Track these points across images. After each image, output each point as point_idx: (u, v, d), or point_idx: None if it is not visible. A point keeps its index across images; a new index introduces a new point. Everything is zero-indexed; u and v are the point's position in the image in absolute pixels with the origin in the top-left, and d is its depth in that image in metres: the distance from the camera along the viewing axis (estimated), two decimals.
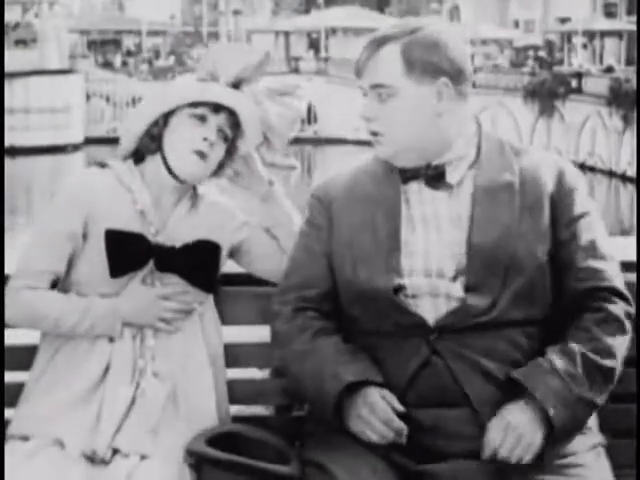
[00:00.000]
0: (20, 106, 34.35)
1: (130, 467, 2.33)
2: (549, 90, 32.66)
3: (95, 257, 2.45)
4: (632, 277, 2.56)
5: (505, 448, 2.24)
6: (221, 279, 2.59)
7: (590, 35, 45.89)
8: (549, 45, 46.82)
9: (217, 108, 2.47)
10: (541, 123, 33.29)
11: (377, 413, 2.28)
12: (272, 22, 55.48)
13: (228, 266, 2.62)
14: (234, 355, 2.66)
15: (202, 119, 2.47)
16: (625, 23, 46.48)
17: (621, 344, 2.35)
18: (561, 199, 2.40)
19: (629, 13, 47.16)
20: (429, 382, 2.31)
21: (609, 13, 49.75)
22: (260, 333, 2.63)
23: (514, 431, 2.24)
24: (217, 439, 2.35)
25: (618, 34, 46.19)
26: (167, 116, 2.49)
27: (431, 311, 2.33)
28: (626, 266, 2.54)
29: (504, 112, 34.28)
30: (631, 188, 27.31)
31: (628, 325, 2.37)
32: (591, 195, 2.50)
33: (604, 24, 46.46)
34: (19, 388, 2.52)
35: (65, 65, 37.30)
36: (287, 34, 50.50)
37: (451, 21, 51.15)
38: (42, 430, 2.39)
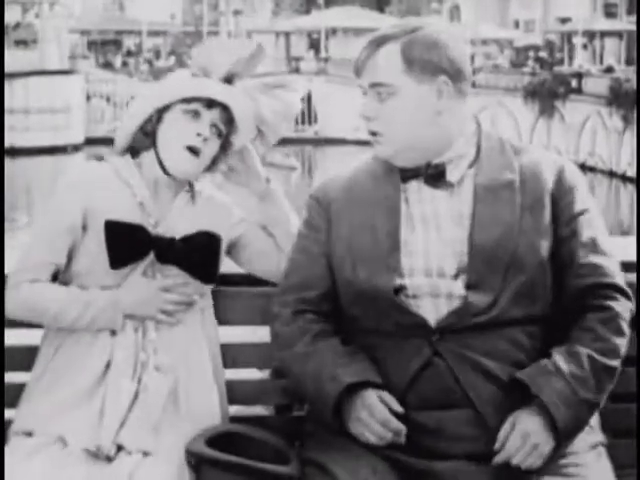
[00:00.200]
0: (20, 106, 34.33)
1: (132, 465, 2.33)
2: (549, 90, 32.65)
3: (95, 249, 2.45)
4: (632, 277, 2.56)
5: (520, 455, 2.24)
6: (220, 279, 2.59)
7: (590, 35, 45.89)
8: (549, 45, 46.80)
9: (210, 103, 2.47)
10: (541, 123, 33.28)
11: (375, 415, 2.28)
12: (272, 22, 55.47)
13: (227, 266, 2.62)
14: (234, 355, 2.66)
15: (195, 115, 2.47)
16: (625, 23, 46.46)
17: (625, 343, 2.36)
18: (561, 197, 2.40)
19: (629, 13, 47.15)
20: (431, 383, 2.31)
21: (609, 13, 49.74)
22: (260, 333, 2.63)
23: (531, 440, 2.24)
24: (216, 439, 2.35)
25: (618, 34, 46.19)
26: (161, 112, 2.49)
27: (432, 311, 2.33)
28: (626, 266, 2.54)
29: (504, 112, 34.27)
30: (631, 188, 27.30)
31: (629, 323, 2.38)
32: (591, 195, 2.51)
33: (604, 24, 46.45)
34: (19, 389, 2.52)
35: (65, 65, 37.26)
36: (287, 34, 50.50)
37: (451, 21, 51.15)
38: (44, 428, 2.40)
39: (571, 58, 44.10)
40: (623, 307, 2.38)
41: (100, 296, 2.46)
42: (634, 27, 38.56)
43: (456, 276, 2.34)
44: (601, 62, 42.40)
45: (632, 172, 27.26)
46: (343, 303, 2.44)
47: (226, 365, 2.64)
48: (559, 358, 2.30)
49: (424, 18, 2.52)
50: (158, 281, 2.49)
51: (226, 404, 2.59)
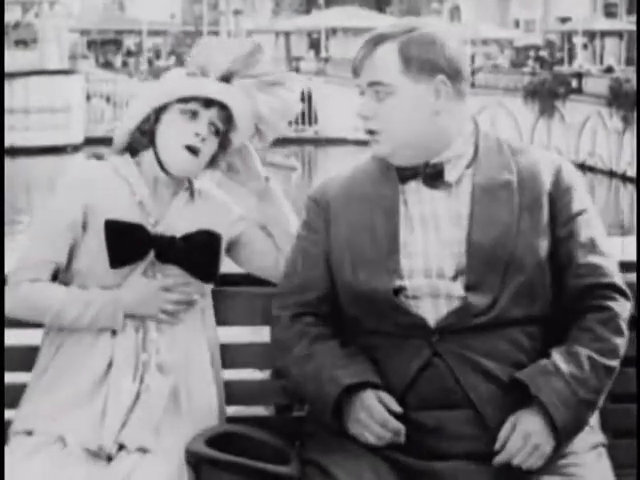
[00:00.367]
0: (20, 106, 34.32)
1: (132, 464, 2.34)
2: (549, 90, 32.64)
3: (95, 248, 2.45)
4: (632, 277, 2.56)
5: (521, 456, 2.24)
6: (220, 279, 2.59)
7: (590, 35, 45.88)
8: (549, 45, 46.80)
9: (208, 103, 2.47)
10: (541, 123, 33.27)
11: (374, 416, 2.28)
12: (272, 22, 55.45)
13: (227, 266, 2.62)
14: (234, 355, 2.66)
15: (193, 114, 2.47)
16: (625, 23, 46.45)
17: (624, 343, 2.36)
18: (559, 197, 2.40)
19: (629, 13, 47.14)
20: (431, 383, 2.31)
21: (609, 13, 49.73)
22: (260, 333, 2.62)
23: (531, 440, 2.24)
24: (216, 439, 2.35)
25: (618, 34, 46.18)
26: (158, 112, 2.49)
27: (432, 312, 2.33)
28: (626, 266, 2.54)
29: (504, 112, 34.26)
30: (631, 188, 27.29)
31: (627, 323, 2.38)
32: (591, 195, 2.51)
33: (604, 24, 46.44)
34: (19, 389, 2.52)
35: (65, 65, 37.25)
36: (287, 34, 50.48)
37: (452, 21, 51.14)
38: (44, 427, 2.40)
39: (571, 58, 44.10)
40: (622, 307, 2.38)
41: (101, 295, 2.46)
42: (634, 27, 38.54)
43: (455, 277, 2.34)
44: (601, 62, 42.40)
45: (632, 172, 27.25)
46: (342, 304, 2.44)
47: (226, 365, 2.64)
48: (558, 358, 2.30)
49: (424, 18, 2.52)
50: (158, 281, 2.49)
51: (223, 404, 2.60)
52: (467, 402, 2.30)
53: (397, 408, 2.29)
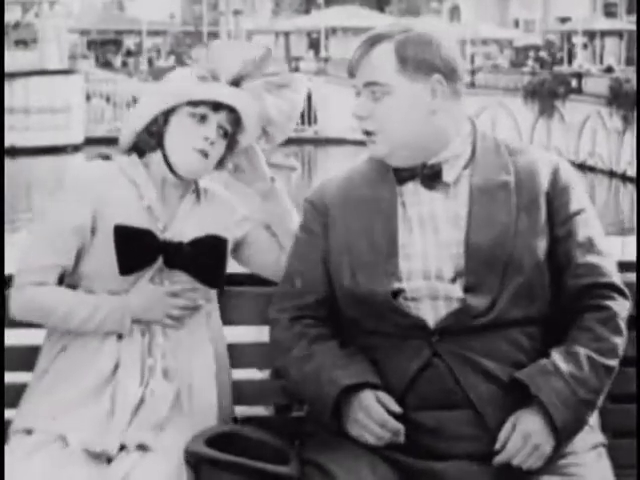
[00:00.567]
0: (20, 106, 34.30)
1: (131, 463, 2.34)
2: (549, 90, 32.62)
3: (104, 252, 2.45)
4: (632, 277, 2.56)
5: (521, 456, 2.25)
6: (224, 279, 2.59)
7: (590, 35, 45.88)
8: (549, 45, 46.78)
9: (217, 106, 2.47)
10: (541, 123, 33.26)
11: (372, 416, 2.28)
12: (272, 22, 55.44)
13: (230, 266, 2.62)
14: (234, 355, 2.66)
15: (202, 118, 2.47)
16: (625, 23, 46.44)
17: (623, 342, 2.36)
18: (557, 196, 2.40)
19: (629, 13, 47.13)
20: (430, 384, 2.31)
21: (609, 13, 49.71)
22: (260, 333, 2.62)
23: (532, 440, 2.24)
24: (216, 439, 2.35)
25: (618, 34, 46.17)
26: (167, 113, 2.49)
27: (431, 313, 2.33)
28: (626, 266, 2.54)
29: (504, 112, 34.25)
30: (631, 188, 27.28)
31: (626, 322, 2.38)
32: (591, 195, 2.51)
33: (604, 24, 46.42)
34: (19, 389, 2.52)
35: (65, 65, 37.22)
36: (287, 34, 50.47)
37: (451, 21, 51.13)
38: (45, 426, 2.40)
39: (571, 58, 44.09)
40: (621, 306, 2.38)
41: (109, 300, 2.46)
42: (634, 27, 38.54)
43: (454, 279, 2.34)
44: (601, 62, 42.39)
45: (632, 172, 27.24)
46: (341, 306, 2.44)
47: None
48: (558, 358, 2.30)
49: (422, 18, 2.52)
50: (165, 287, 2.49)
51: (231, 404, 2.60)
52: (467, 402, 2.30)
53: (396, 408, 2.29)
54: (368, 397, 2.31)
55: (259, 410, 2.78)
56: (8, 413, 2.53)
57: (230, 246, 2.58)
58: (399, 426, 2.28)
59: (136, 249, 2.44)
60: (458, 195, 2.40)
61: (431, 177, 2.41)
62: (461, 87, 2.42)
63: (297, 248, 2.52)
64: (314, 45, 48.38)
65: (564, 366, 2.28)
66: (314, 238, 2.48)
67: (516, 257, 2.34)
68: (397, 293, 2.35)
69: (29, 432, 2.41)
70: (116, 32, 53.53)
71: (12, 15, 40.61)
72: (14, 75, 33.62)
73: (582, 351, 2.31)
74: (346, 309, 2.43)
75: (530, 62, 40.16)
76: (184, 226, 2.51)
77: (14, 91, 33.74)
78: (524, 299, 2.34)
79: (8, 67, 32.03)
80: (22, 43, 39.22)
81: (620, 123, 29.09)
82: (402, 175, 2.43)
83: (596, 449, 2.38)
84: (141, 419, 2.42)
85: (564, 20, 49.80)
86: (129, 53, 50.53)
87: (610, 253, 2.43)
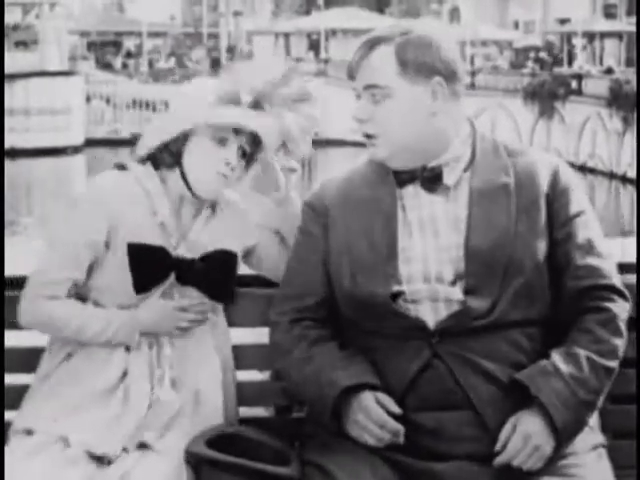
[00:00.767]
0: (20, 108, 34.27)
1: (132, 463, 2.35)
2: (549, 91, 32.62)
3: (116, 267, 2.44)
4: (632, 279, 2.56)
5: (522, 457, 2.25)
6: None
7: (590, 36, 45.88)
8: (549, 46, 46.78)
9: (238, 130, 2.45)
10: (541, 124, 33.26)
11: (371, 417, 2.28)
12: (272, 23, 55.45)
13: None
14: (234, 357, 2.66)
15: (222, 141, 2.44)
16: (625, 24, 46.43)
17: (623, 343, 2.36)
18: (556, 198, 2.40)
19: (629, 14, 47.12)
20: (430, 385, 2.31)
21: (609, 14, 49.70)
22: (260, 334, 2.62)
23: (532, 441, 2.25)
24: (216, 440, 2.35)
25: (618, 35, 46.18)
26: (186, 133, 2.46)
27: (431, 315, 2.33)
28: (626, 267, 2.54)
29: (504, 113, 34.24)
30: (631, 189, 27.28)
31: (626, 324, 2.38)
32: (591, 196, 2.52)
33: (604, 25, 46.43)
34: (19, 390, 2.53)
35: (65, 67, 37.17)
36: (287, 35, 50.50)
37: (451, 22, 51.13)
38: (46, 427, 2.40)
39: (571, 59, 44.09)
40: (620, 308, 2.38)
41: (119, 314, 2.46)
42: (634, 28, 38.53)
43: (454, 282, 2.34)
44: (601, 63, 42.39)
45: (632, 173, 27.23)
46: (341, 307, 2.45)
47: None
48: (558, 359, 2.30)
49: (422, 19, 2.52)
50: (175, 301, 2.49)
51: (236, 407, 2.60)
52: (467, 403, 2.30)
53: (396, 409, 2.29)
54: (368, 398, 2.31)
55: (260, 411, 2.78)
56: (8, 415, 2.53)
57: (241, 254, 2.58)
58: (399, 427, 2.28)
59: (149, 266, 2.44)
60: (458, 198, 2.40)
61: (431, 180, 2.41)
62: (461, 88, 2.42)
63: (297, 250, 2.52)
64: (314, 46, 48.39)
65: (564, 367, 2.29)
66: (314, 240, 2.48)
67: (516, 259, 2.34)
68: (397, 295, 2.35)
69: (29, 433, 2.41)
70: (116, 34, 53.53)
71: (12, 16, 40.64)
72: (14, 76, 33.61)
73: (582, 352, 2.31)
74: (346, 310, 2.44)
75: (530, 63, 40.17)
76: (197, 240, 2.50)
77: (14, 92, 33.73)
78: (524, 300, 2.34)
79: (8, 68, 32.01)
80: (22, 44, 39.23)
81: (620, 124, 29.09)
82: (402, 178, 2.43)
83: (596, 450, 2.38)
84: (146, 422, 2.43)
85: (564, 21, 49.81)
86: (129, 55, 50.53)
87: (610, 255, 2.43)
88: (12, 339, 2.58)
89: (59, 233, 2.50)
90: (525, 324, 2.35)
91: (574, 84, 32.36)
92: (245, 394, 2.67)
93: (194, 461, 2.33)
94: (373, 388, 2.32)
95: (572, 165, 2.53)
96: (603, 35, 46.17)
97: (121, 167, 2.51)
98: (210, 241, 2.51)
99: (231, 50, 52.00)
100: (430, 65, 2.36)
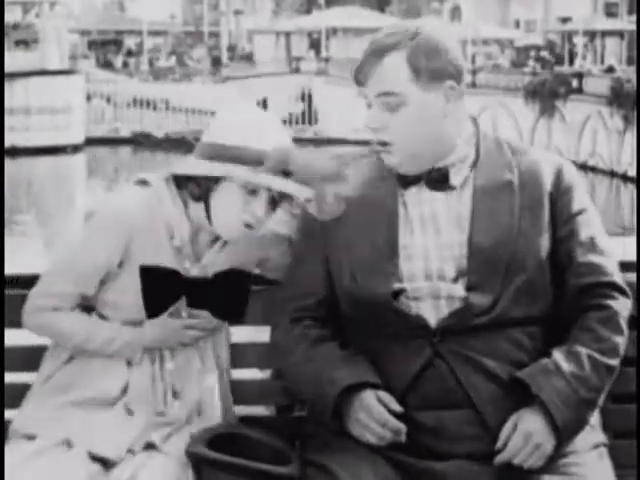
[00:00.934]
0: (20, 106, 34.31)
1: (137, 463, 2.35)
2: (550, 90, 32.63)
3: (127, 286, 2.43)
4: (632, 277, 2.56)
5: (523, 455, 2.25)
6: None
7: (591, 35, 45.88)
8: (550, 45, 46.78)
9: None
10: (542, 123, 33.27)
11: (373, 415, 2.28)
12: (273, 22, 55.44)
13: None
14: (235, 356, 2.66)
15: (253, 192, 2.38)
16: (626, 23, 46.42)
17: (624, 341, 2.36)
18: (559, 196, 2.40)
19: (630, 13, 47.10)
20: (432, 384, 2.31)
21: (610, 13, 49.71)
22: (260, 333, 2.62)
23: (533, 440, 2.25)
24: (217, 440, 2.35)
25: (619, 34, 46.17)
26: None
27: (433, 313, 2.33)
28: (626, 266, 2.54)
29: (505, 112, 34.25)
30: (632, 188, 27.29)
31: (627, 322, 2.38)
32: (592, 195, 2.51)
33: (605, 24, 46.44)
34: (19, 389, 2.52)
35: (66, 65, 37.20)
36: (288, 34, 50.46)
37: (452, 21, 51.12)
38: (48, 430, 2.39)
39: (572, 58, 44.08)
40: (622, 305, 2.38)
41: (124, 331, 2.45)
42: (635, 27, 38.53)
43: (456, 279, 2.34)
44: (602, 62, 42.39)
45: (633, 172, 27.24)
46: (342, 306, 2.44)
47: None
48: (559, 357, 2.30)
49: (423, 18, 2.51)
50: (183, 320, 2.47)
51: (231, 406, 2.60)
52: (468, 402, 2.30)
53: (397, 407, 2.29)
54: (369, 397, 2.31)
55: (260, 410, 2.77)
56: (8, 413, 2.52)
57: (255, 265, 2.56)
58: (400, 425, 2.28)
59: (161, 289, 2.42)
60: (461, 195, 2.40)
61: (438, 180, 2.40)
62: (464, 87, 2.42)
63: (297, 249, 2.51)
64: (315, 45, 48.37)
65: (565, 365, 2.28)
66: (314, 239, 2.47)
67: (518, 256, 2.34)
68: (398, 293, 2.35)
69: (30, 438, 2.40)
70: (117, 32, 53.52)
71: (13, 15, 40.66)
72: (14, 75, 33.63)
73: (583, 351, 2.31)
74: (346, 309, 2.43)
75: (531, 62, 40.18)
76: (211, 263, 2.47)
77: (14, 91, 33.76)
78: (526, 298, 2.34)
79: (8, 67, 32.03)
80: (23, 43, 39.25)
81: (621, 123, 29.11)
82: (407, 179, 2.42)
83: (597, 449, 2.38)
84: (152, 425, 2.43)
85: (565, 20, 49.82)
86: (130, 53, 50.52)
87: (611, 253, 2.43)
88: (12, 338, 2.58)
89: (74, 247, 2.47)
90: (526, 322, 2.35)
91: (575, 83, 32.37)
92: (246, 393, 2.67)
93: (194, 461, 2.33)
94: (374, 387, 2.32)
95: (573, 164, 2.52)
96: (604, 34, 46.18)
97: (143, 182, 2.45)
98: (223, 263, 2.48)
99: (232, 49, 52.04)
100: (442, 70, 2.34)
